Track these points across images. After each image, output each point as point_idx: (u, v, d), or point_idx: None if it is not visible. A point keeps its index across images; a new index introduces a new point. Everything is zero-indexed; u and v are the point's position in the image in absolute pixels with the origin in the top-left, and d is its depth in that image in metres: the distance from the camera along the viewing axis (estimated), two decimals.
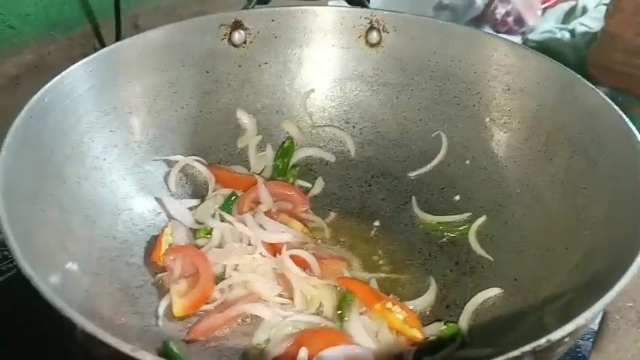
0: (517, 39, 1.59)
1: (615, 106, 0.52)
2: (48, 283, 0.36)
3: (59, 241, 0.50)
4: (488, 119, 0.69)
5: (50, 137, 0.54)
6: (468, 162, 0.70)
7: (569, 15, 1.66)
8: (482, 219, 0.65)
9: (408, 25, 0.72)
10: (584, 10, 1.63)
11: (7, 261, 0.63)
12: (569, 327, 0.31)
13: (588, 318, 0.32)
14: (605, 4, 1.52)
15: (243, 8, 0.75)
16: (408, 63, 0.73)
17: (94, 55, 0.60)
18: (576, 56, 1.44)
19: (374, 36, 0.74)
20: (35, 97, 0.52)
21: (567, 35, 1.53)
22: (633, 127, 0.50)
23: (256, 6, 0.75)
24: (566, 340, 0.32)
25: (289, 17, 0.73)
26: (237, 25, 0.71)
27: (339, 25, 0.74)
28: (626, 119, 0.51)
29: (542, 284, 0.52)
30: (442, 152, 0.72)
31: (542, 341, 0.30)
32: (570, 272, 0.49)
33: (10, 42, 0.93)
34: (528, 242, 0.59)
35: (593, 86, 0.56)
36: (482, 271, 0.61)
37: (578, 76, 0.59)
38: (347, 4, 0.79)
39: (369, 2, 0.79)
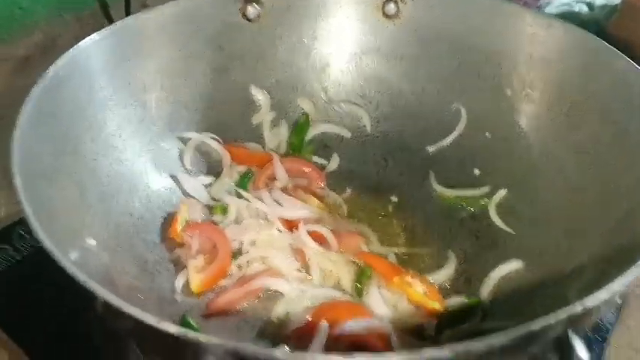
0: None
1: None
2: (69, 258, 0.36)
3: (78, 217, 0.50)
4: (509, 90, 0.67)
5: (65, 113, 0.54)
6: (488, 134, 0.68)
7: None
8: (503, 192, 0.64)
9: None
10: None
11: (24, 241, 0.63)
12: (603, 294, 0.30)
13: (623, 284, 0.31)
14: None
15: None
16: (426, 34, 0.71)
17: (107, 28, 0.59)
18: (595, 29, 1.40)
19: (391, 7, 0.72)
20: (49, 72, 0.51)
21: (585, 8, 1.49)
22: None
23: None
24: (601, 308, 0.31)
25: None
26: None
27: None
28: None
29: (567, 257, 0.51)
30: (461, 125, 0.70)
31: (578, 308, 0.29)
32: (598, 245, 0.48)
33: (20, 23, 0.93)
34: (552, 215, 0.58)
35: (621, 53, 0.54)
36: (503, 245, 0.60)
37: (605, 43, 0.57)
38: None
39: None
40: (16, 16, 0.93)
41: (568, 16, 1.51)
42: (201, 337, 0.27)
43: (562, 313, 0.28)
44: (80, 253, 0.47)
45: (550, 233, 0.56)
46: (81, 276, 0.32)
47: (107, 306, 0.31)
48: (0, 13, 0.90)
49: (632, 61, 0.53)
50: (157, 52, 0.65)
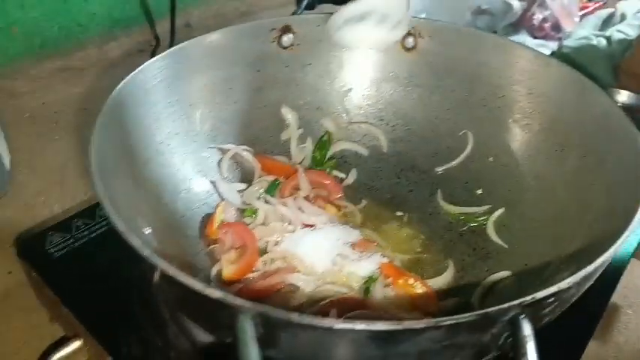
0: (554, 44, 1.62)
1: (622, 110, 0.58)
2: (136, 238, 0.45)
3: (135, 210, 0.60)
4: (511, 120, 0.75)
5: (126, 123, 0.63)
6: (491, 159, 0.76)
7: (607, 22, 1.67)
8: (500, 211, 0.71)
9: (442, 32, 0.79)
10: (623, 18, 1.63)
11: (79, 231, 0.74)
12: (552, 289, 0.38)
13: (569, 283, 0.39)
14: None
15: (293, 14, 0.83)
16: (440, 67, 0.80)
17: (165, 53, 0.69)
18: (611, 63, 1.46)
19: (410, 41, 0.80)
20: (120, 85, 0.61)
21: (604, 42, 1.55)
22: (636, 131, 0.55)
23: (304, 12, 0.83)
24: (551, 300, 0.39)
25: None
26: (286, 29, 0.79)
27: None
28: (630, 121, 0.56)
29: (547, 267, 0.59)
30: (468, 149, 0.78)
31: (528, 297, 0.37)
32: (572, 257, 0.56)
33: (77, 38, 1.02)
34: (540, 232, 0.65)
35: (605, 92, 0.62)
36: (496, 257, 0.67)
37: (593, 82, 0.64)
38: None
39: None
40: (75, 32, 1.03)
41: (586, 49, 1.58)
42: (239, 300, 0.36)
43: (515, 302, 0.37)
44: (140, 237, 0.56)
45: (537, 247, 0.64)
46: (146, 251, 0.41)
47: (165, 276, 0.40)
48: (61, 29, 1.00)
49: (612, 100, 0.61)
50: (203, 73, 0.74)
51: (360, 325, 0.35)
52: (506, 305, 0.36)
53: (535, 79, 0.72)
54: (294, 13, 0.83)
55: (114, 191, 0.53)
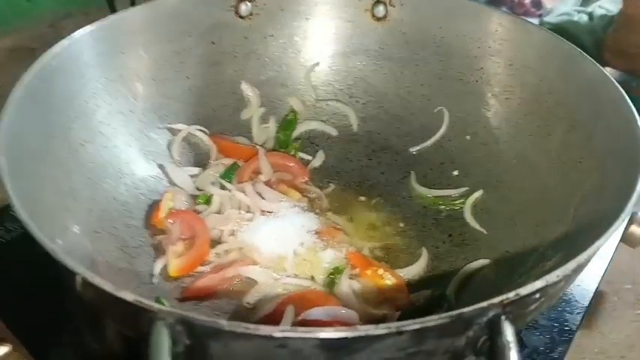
0: (534, 21, 1.57)
1: (613, 79, 0.52)
2: (53, 242, 0.38)
3: (62, 201, 0.52)
4: (490, 95, 0.69)
5: (57, 100, 0.56)
6: (468, 137, 0.70)
7: None
8: (478, 193, 0.65)
9: None
10: None
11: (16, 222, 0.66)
12: (538, 283, 0.32)
13: (559, 276, 0.33)
14: None
15: None
16: (413, 37, 0.73)
17: (101, 21, 0.61)
18: (593, 39, 1.41)
19: (380, 10, 0.74)
20: (44, 58, 0.53)
21: (585, 18, 1.50)
22: (629, 100, 0.49)
23: None
24: (537, 296, 0.33)
25: None
26: None
27: None
28: (623, 92, 0.50)
29: (530, 255, 0.53)
30: (443, 127, 0.72)
31: (511, 295, 0.31)
32: (558, 242, 0.50)
33: (27, 15, 0.95)
34: (522, 216, 0.59)
35: (594, 60, 0.56)
36: (474, 244, 0.61)
37: (579, 50, 0.58)
38: None
39: None
40: (24, 8, 0.95)
41: (567, 25, 1.53)
42: (154, 305, 0.29)
43: (495, 299, 0.30)
44: (63, 236, 0.49)
45: (519, 232, 0.58)
46: (61, 255, 0.34)
47: (84, 282, 0.33)
48: (7, 4, 0.92)
49: (602, 68, 0.55)
50: (150, 45, 0.67)
51: (306, 334, 0.29)
52: (485, 304, 0.30)
53: (515, 48, 0.66)
54: None
55: (36, 183, 0.45)
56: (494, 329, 0.30)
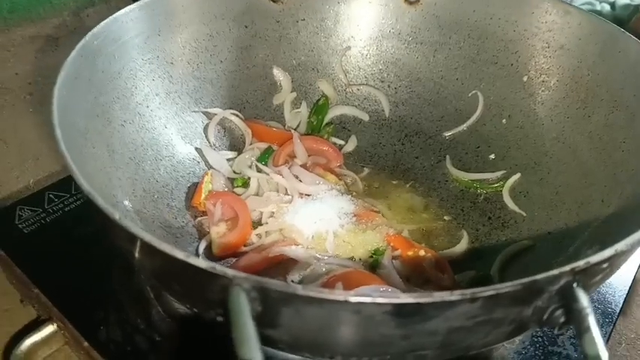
0: None
1: None
2: (112, 208, 0.38)
3: (108, 177, 0.53)
4: (526, 78, 0.68)
5: (99, 79, 0.56)
6: (504, 121, 0.70)
7: None
8: (516, 176, 0.65)
9: None
10: None
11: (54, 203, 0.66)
12: (607, 252, 0.32)
13: (628, 244, 0.33)
14: None
15: None
16: (446, 21, 0.73)
17: (140, 2, 0.61)
18: None
19: None
20: (86, 38, 0.53)
21: (607, 7, 1.49)
22: None
23: None
24: (604, 266, 0.33)
25: None
26: None
27: None
28: None
29: (574, 236, 0.52)
30: (478, 111, 0.72)
31: (581, 263, 0.31)
32: (604, 223, 0.50)
33: (50, 3, 0.95)
34: (563, 197, 0.59)
35: (636, 38, 0.55)
36: (515, 226, 0.61)
37: (622, 30, 0.58)
38: None
39: None
40: None
41: None
42: (229, 272, 0.29)
43: (566, 267, 0.30)
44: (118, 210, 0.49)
45: (560, 214, 0.57)
46: (125, 221, 0.34)
47: (146, 249, 0.33)
48: None
49: None
50: (185, 28, 0.67)
51: (381, 299, 0.29)
52: (556, 271, 0.30)
53: (553, 30, 0.65)
54: None
55: (85, 158, 0.46)
56: (568, 297, 0.30)
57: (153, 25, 0.63)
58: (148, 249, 0.33)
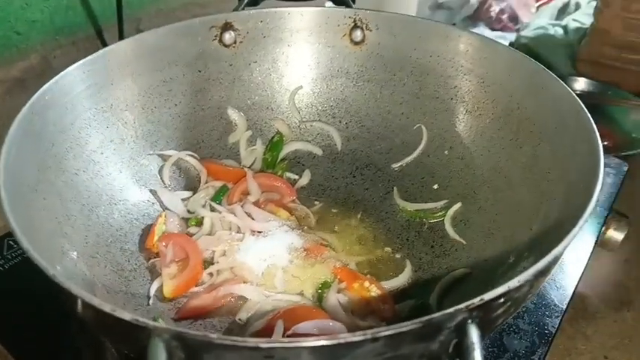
0: (511, 36, 1.62)
1: (574, 94, 0.56)
2: (53, 268, 0.40)
3: (59, 227, 0.55)
4: (464, 111, 0.72)
5: (50, 132, 0.59)
6: (446, 152, 0.73)
7: (563, 11, 1.69)
8: (457, 205, 0.69)
9: (390, 23, 0.76)
10: (577, 7, 1.65)
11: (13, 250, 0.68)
12: (500, 289, 0.35)
13: (520, 281, 0.36)
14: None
15: (234, 10, 0.79)
16: (390, 59, 0.77)
17: (91, 56, 0.64)
18: (569, 52, 1.46)
19: (357, 34, 0.78)
20: (37, 94, 0.56)
21: (560, 31, 1.56)
22: (588, 114, 0.53)
23: (246, 8, 0.79)
24: (501, 301, 0.36)
25: (277, 18, 0.77)
26: (227, 27, 0.75)
27: (324, 25, 0.78)
28: (583, 106, 0.54)
29: (505, 262, 0.56)
30: (423, 144, 0.75)
31: (476, 300, 0.34)
32: (529, 249, 0.53)
33: (17, 47, 0.97)
34: (499, 225, 0.62)
35: (556, 76, 0.59)
36: (455, 254, 0.64)
37: (543, 67, 0.62)
38: (333, 5, 0.83)
39: (354, 3, 0.83)
40: (14, 41, 0.97)
41: (544, 39, 1.58)
42: (150, 323, 0.31)
43: (461, 305, 0.33)
44: (62, 261, 0.52)
45: (495, 241, 0.61)
46: (63, 280, 0.36)
47: (84, 304, 0.35)
48: None
49: (564, 84, 0.58)
50: (139, 75, 0.70)
51: (289, 344, 0.31)
52: (452, 310, 0.33)
53: (485, 67, 0.70)
54: (235, 9, 0.79)
55: (34, 212, 0.48)
56: (461, 332, 0.33)
57: (105, 76, 0.66)
58: (82, 303, 0.36)
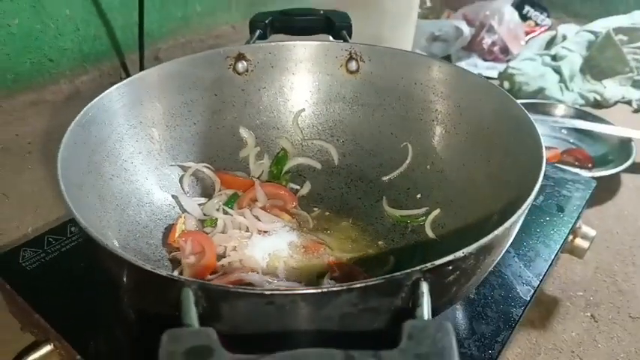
0: (502, 66, 1.75)
1: (526, 112, 0.67)
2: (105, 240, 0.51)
3: (98, 221, 0.66)
4: (444, 131, 0.83)
5: (92, 142, 0.70)
6: (428, 167, 0.84)
7: (551, 43, 1.82)
8: (436, 211, 0.79)
9: (380, 55, 0.88)
10: (564, 38, 1.78)
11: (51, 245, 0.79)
12: (448, 257, 0.46)
13: (464, 252, 0.46)
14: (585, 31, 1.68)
15: (246, 43, 0.91)
16: (380, 87, 0.88)
17: (125, 80, 0.76)
18: (558, 76, 1.61)
19: (353, 65, 0.89)
20: (82, 112, 0.68)
21: (548, 59, 1.68)
22: (537, 130, 0.64)
23: (257, 41, 0.92)
24: (450, 268, 0.46)
25: (283, 50, 0.89)
26: (240, 57, 0.87)
27: (324, 56, 0.89)
28: (535, 125, 0.65)
29: None
30: (408, 159, 0.86)
31: (428, 264, 0.44)
32: None
33: (49, 73, 1.07)
34: (470, 227, 0.73)
35: (516, 100, 0.71)
36: (432, 251, 0.75)
37: (506, 93, 0.73)
38: (332, 39, 0.95)
39: (350, 37, 0.95)
40: (47, 67, 1.08)
41: (533, 66, 1.71)
42: (181, 277, 0.42)
43: (416, 268, 0.44)
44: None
45: (466, 239, 0.70)
46: (115, 248, 0.47)
47: (127, 264, 0.46)
48: (32, 64, 1.06)
49: (520, 105, 0.70)
50: (163, 98, 0.81)
51: (286, 290, 0.42)
52: (409, 270, 0.43)
53: (461, 93, 0.81)
54: (247, 42, 0.91)
55: (81, 205, 0.59)
56: (416, 287, 0.43)
57: (137, 97, 0.78)
58: (128, 266, 0.47)
